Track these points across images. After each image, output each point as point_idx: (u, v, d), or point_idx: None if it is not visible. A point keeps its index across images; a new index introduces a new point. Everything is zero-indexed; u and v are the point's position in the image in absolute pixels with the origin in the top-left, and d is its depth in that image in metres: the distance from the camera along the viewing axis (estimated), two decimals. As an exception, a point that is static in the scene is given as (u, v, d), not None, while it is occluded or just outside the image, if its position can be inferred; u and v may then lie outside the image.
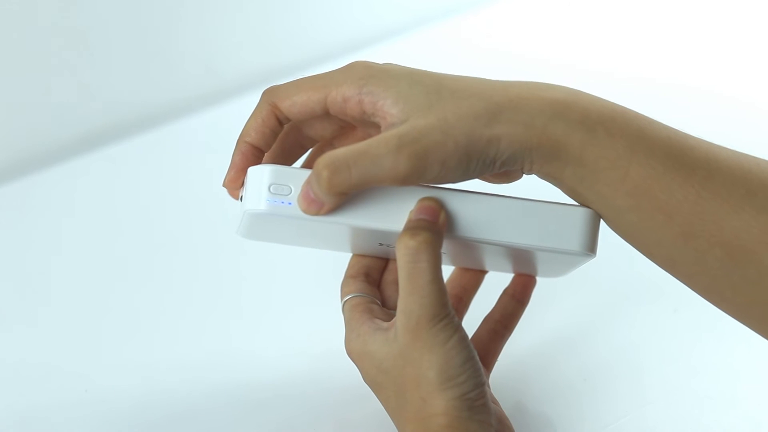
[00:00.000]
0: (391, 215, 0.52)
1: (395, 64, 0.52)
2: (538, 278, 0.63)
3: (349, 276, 0.59)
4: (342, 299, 0.58)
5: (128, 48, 1.01)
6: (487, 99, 0.49)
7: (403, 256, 0.50)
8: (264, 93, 0.54)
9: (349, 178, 0.48)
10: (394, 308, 0.57)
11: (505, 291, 0.63)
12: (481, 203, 0.52)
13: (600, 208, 0.52)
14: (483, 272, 0.64)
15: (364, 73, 0.50)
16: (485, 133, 0.49)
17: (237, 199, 0.55)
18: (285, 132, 0.57)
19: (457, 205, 0.52)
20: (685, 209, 0.49)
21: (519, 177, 0.54)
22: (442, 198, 0.52)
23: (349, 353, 0.55)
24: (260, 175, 0.51)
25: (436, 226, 0.51)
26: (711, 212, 0.49)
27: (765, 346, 0.73)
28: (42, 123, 1.00)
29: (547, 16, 1.16)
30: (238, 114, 1.00)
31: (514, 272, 0.63)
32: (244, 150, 0.54)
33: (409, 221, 0.51)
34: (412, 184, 0.50)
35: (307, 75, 0.56)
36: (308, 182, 0.50)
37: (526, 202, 0.53)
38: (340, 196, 0.50)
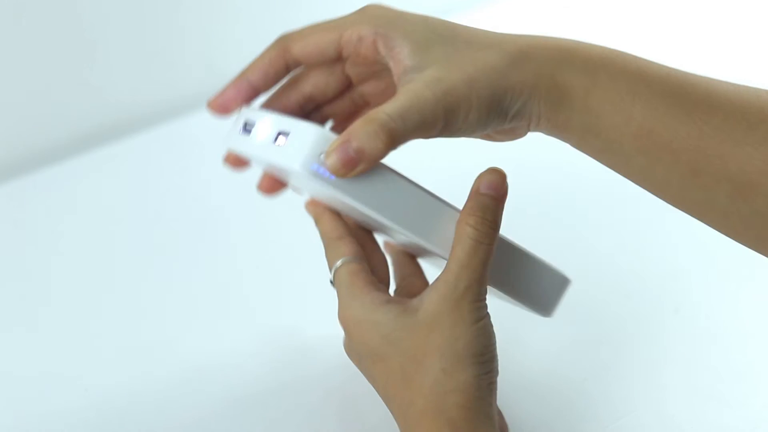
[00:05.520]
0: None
1: (407, 11, 0.51)
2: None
3: (336, 238, 0.58)
4: (333, 263, 0.57)
5: (129, 47, 1.01)
6: (500, 49, 0.50)
7: (472, 232, 0.51)
8: (278, 38, 0.53)
9: (405, 129, 0.49)
10: (380, 279, 0.58)
11: None
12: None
13: (609, 156, 0.52)
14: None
15: (379, 14, 0.50)
16: (503, 84, 0.50)
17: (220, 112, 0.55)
18: (284, 87, 0.57)
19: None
20: (689, 146, 0.49)
21: (524, 134, 0.55)
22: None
23: (345, 320, 0.54)
24: (319, 137, 0.50)
25: (501, 205, 0.53)
26: (714, 147, 0.49)
27: (766, 346, 0.73)
28: (42, 123, 1.00)
29: (547, 16, 1.16)
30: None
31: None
32: (240, 87, 0.54)
33: (479, 195, 0.53)
34: (442, 136, 0.51)
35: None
36: (347, 140, 0.49)
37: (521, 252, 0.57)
38: (388, 150, 0.50)
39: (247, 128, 0.54)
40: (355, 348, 0.55)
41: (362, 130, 0.48)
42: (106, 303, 0.81)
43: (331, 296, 0.79)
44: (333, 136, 0.50)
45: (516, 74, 0.50)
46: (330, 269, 0.57)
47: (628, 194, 0.87)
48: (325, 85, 0.56)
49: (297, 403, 0.69)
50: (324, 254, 0.59)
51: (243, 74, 0.54)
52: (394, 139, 0.48)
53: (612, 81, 0.50)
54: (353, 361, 0.57)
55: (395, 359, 0.52)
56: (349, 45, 0.51)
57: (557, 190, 0.89)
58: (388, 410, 0.54)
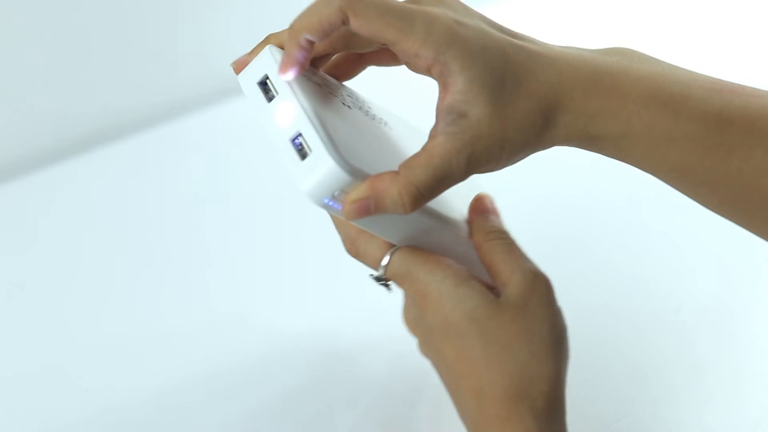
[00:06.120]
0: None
1: (471, 27, 0.50)
2: None
3: (371, 235, 0.56)
4: (380, 255, 0.55)
5: (128, 48, 1.01)
6: (539, 100, 0.50)
7: (495, 240, 0.54)
8: None
9: (430, 198, 0.50)
10: None
11: None
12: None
13: (644, 171, 0.53)
14: None
15: (445, 38, 0.49)
16: (535, 144, 0.51)
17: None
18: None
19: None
20: (727, 182, 0.50)
21: None
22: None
23: (424, 295, 0.54)
24: (337, 177, 0.49)
25: (499, 218, 0.56)
26: (753, 183, 0.50)
27: (766, 346, 0.73)
28: (42, 123, 1.00)
29: (547, 16, 1.16)
30: (237, 114, 1.01)
31: None
32: (306, 47, 0.51)
33: (477, 219, 0.56)
34: None
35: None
36: (374, 197, 0.49)
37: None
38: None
39: (267, 90, 0.52)
40: (428, 321, 0.54)
41: (391, 197, 0.49)
42: (107, 303, 0.81)
43: (335, 295, 0.79)
44: (353, 178, 0.49)
45: (550, 132, 0.50)
46: (375, 265, 0.56)
47: (629, 194, 0.87)
48: (360, 49, 0.55)
49: (290, 401, 0.70)
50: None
51: (300, 33, 0.50)
52: (417, 208, 0.49)
53: (646, 129, 0.50)
54: (415, 334, 0.56)
55: (475, 337, 0.52)
56: (403, 52, 0.50)
57: (557, 190, 0.89)
58: (448, 390, 0.54)
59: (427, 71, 0.50)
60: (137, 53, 1.02)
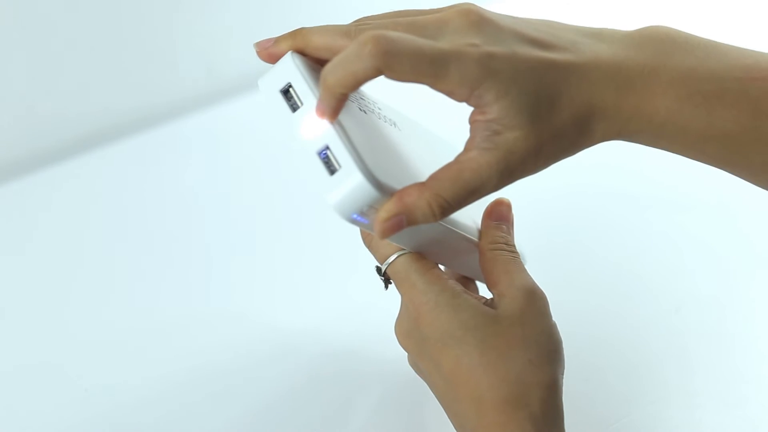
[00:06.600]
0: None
1: (501, 56, 0.49)
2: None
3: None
4: (388, 254, 0.56)
5: (128, 48, 1.01)
6: (577, 109, 0.50)
7: (501, 253, 0.56)
8: (377, 50, 0.47)
9: (459, 209, 0.50)
10: None
11: None
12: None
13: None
14: None
15: (478, 75, 0.49)
16: (571, 152, 0.52)
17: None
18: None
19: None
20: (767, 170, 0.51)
21: None
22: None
23: (419, 304, 0.54)
24: (367, 194, 0.49)
25: (511, 230, 0.58)
26: None
27: (766, 346, 0.73)
28: (42, 123, 1.00)
29: (547, 16, 1.16)
30: (237, 114, 1.01)
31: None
32: (341, 98, 0.50)
33: (492, 227, 0.57)
34: None
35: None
36: (405, 213, 0.49)
37: None
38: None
39: (290, 101, 0.51)
40: (422, 332, 0.54)
41: (420, 209, 0.49)
42: (107, 303, 0.81)
43: (333, 295, 0.79)
44: (382, 194, 0.49)
45: (585, 138, 0.51)
46: (382, 260, 0.57)
47: (629, 194, 0.87)
48: None
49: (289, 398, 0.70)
50: (369, 250, 0.58)
51: (337, 89, 0.49)
52: (444, 218, 0.50)
53: (681, 130, 0.51)
54: (407, 345, 0.57)
55: (473, 344, 0.52)
56: (439, 91, 0.50)
57: (557, 189, 0.89)
58: (442, 402, 0.55)
59: (462, 102, 0.50)
60: (137, 54, 1.02)
